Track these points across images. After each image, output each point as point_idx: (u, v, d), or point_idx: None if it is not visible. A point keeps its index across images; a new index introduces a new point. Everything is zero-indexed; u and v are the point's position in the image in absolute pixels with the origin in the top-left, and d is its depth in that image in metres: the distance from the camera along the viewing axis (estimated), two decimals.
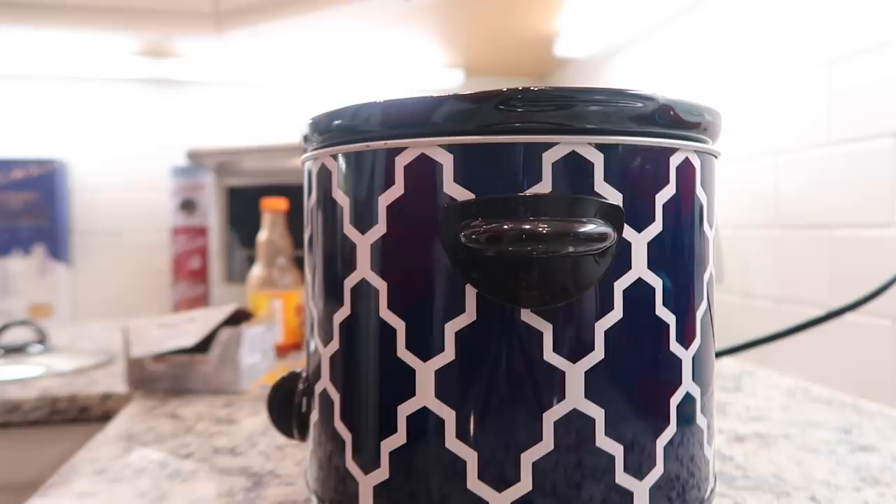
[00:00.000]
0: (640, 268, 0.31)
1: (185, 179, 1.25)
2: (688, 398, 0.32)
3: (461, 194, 0.30)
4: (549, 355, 0.30)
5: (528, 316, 0.29)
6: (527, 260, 0.29)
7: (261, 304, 0.90)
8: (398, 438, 0.31)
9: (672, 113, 0.31)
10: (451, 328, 0.30)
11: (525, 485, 0.30)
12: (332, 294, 0.34)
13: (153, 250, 1.44)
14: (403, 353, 0.31)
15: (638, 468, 0.31)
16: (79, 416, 0.75)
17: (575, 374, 0.30)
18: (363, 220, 0.32)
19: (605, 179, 0.30)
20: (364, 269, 0.32)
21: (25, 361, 0.90)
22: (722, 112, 0.35)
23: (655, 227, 0.31)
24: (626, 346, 0.30)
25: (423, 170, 0.30)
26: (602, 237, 0.29)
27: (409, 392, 0.31)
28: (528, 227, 0.28)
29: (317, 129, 0.35)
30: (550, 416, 0.30)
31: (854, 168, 0.71)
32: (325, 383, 0.35)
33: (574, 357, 0.30)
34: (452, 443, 0.30)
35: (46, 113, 1.40)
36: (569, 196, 0.29)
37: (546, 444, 0.30)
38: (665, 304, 0.31)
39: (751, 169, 0.87)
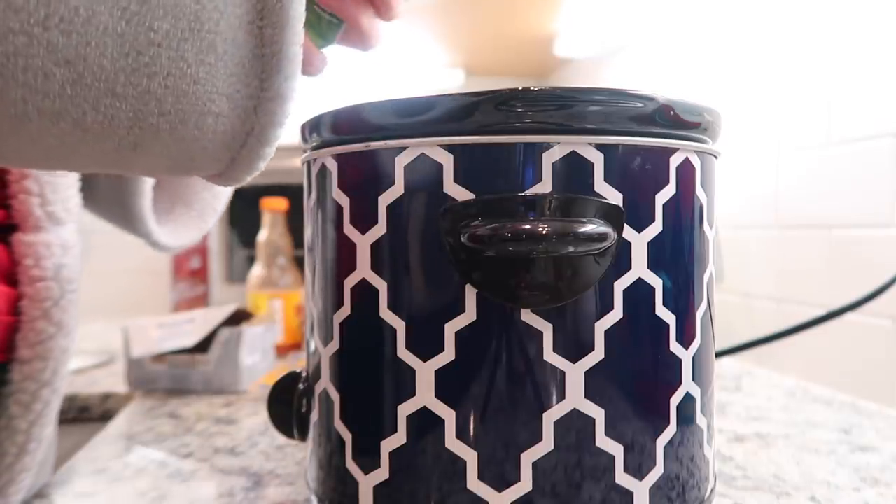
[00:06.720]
0: (640, 268, 0.31)
1: None
2: (688, 398, 0.32)
3: (461, 194, 0.30)
4: (549, 355, 0.30)
5: (528, 316, 0.29)
6: (527, 260, 0.29)
7: (261, 304, 0.90)
8: (398, 438, 0.31)
9: (672, 113, 0.31)
10: (451, 328, 0.30)
11: (525, 485, 0.30)
12: (332, 294, 0.34)
13: (153, 250, 1.44)
14: (403, 353, 0.31)
15: (638, 468, 0.31)
16: (79, 415, 0.75)
17: (575, 374, 0.30)
18: (363, 220, 0.32)
19: (605, 179, 0.30)
20: (364, 269, 0.32)
21: None
22: (722, 112, 0.35)
23: (655, 227, 0.31)
24: (626, 346, 0.30)
25: (424, 170, 0.30)
26: (602, 237, 0.29)
27: (410, 392, 0.31)
28: (528, 227, 0.28)
29: (317, 128, 0.35)
30: (550, 416, 0.30)
31: (854, 168, 0.71)
32: (325, 383, 0.35)
33: (574, 357, 0.30)
34: (452, 443, 0.30)
35: None
36: (569, 196, 0.29)
37: (546, 444, 0.30)
38: (665, 304, 0.31)
39: (751, 169, 0.87)
